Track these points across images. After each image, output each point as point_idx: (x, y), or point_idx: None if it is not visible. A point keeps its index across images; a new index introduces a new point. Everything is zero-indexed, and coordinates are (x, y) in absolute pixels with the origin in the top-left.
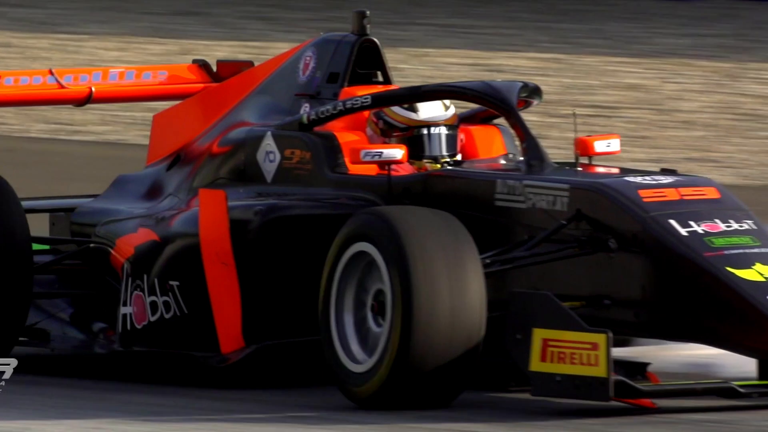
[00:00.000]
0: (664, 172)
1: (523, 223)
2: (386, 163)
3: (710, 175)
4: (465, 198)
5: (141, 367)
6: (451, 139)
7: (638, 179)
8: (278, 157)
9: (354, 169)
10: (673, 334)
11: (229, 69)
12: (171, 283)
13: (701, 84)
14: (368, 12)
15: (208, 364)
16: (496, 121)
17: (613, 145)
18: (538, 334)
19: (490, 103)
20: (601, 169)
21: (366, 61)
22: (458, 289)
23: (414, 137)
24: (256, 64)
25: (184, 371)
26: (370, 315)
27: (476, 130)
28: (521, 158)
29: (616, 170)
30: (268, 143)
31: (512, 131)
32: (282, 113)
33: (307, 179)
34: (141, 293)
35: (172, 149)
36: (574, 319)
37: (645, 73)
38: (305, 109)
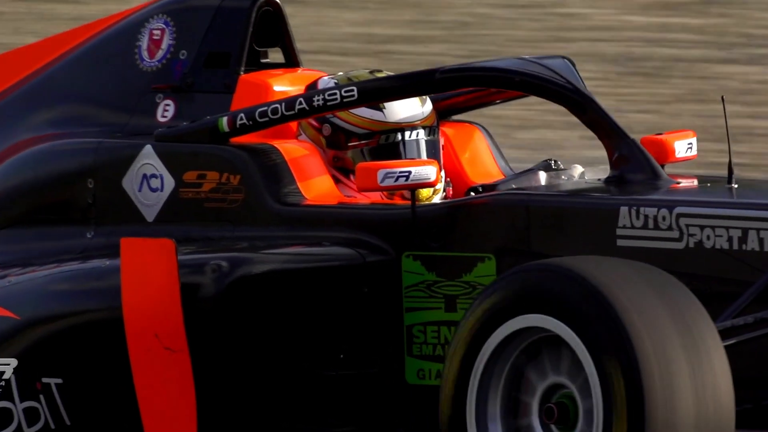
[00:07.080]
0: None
1: (676, 271)
2: (413, 188)
3: None
4: (555, 237)
5: None
6: (433, 147)
7: None
8: (170, 183)
9: (311, 198)
10: None
11: None
12: (45, 380)
13: None
14: None
15: None
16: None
17: (693, 146)
18: None
19: (560, 97)
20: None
21: (262, 35)
22: (703, 385)
23: (380, 147)
24: None
25: None
26: (537, 424)
27: (450, 129)
28: (597, 175)
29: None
30: (148, 163)
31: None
32: (121, 115)
33: (234, 215)
34: None
35: None
36: None
37: None
38: (167, 108)
